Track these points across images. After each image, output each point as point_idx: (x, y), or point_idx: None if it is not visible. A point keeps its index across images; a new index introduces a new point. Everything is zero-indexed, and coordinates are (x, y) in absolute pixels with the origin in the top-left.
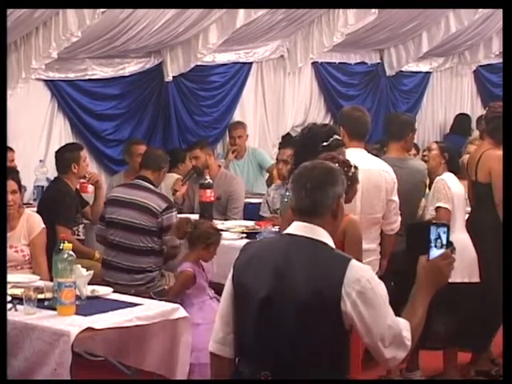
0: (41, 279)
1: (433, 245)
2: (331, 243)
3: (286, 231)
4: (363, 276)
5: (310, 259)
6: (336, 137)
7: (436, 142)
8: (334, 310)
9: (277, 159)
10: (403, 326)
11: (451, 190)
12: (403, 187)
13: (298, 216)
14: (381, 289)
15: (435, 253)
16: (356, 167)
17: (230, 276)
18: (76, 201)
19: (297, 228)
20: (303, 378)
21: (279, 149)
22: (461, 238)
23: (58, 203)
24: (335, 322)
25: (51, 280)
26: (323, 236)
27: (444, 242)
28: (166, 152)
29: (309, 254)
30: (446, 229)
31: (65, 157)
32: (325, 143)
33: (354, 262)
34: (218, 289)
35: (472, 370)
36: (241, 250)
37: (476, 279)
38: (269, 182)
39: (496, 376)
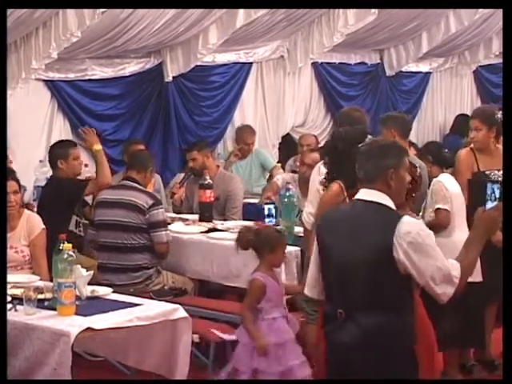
0: (41, 279)
1: (488, 198)
2: (390, 204)
3: (355, 197)
4: (413, 229)
5: (368, 217)
6: (370, 137)
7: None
8: (389, 258)
9: (302, 163)
10: (453, 266)
11: (449, 190)
12: None
13: (360, 183)
14: (430, 239)
15: (490, 205)
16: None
17: (315, 237)
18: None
19: (361, 193)
20: (372, 315)
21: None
22: (462, 237)
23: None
24: (391, 268)
25: (51, 280)
26: (381, 198)
27: (497, 195)
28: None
29: (368, 212)
30: (498, 185)
31: (54, 153)
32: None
33: (406, 217)
34: (218, 289)
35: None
36: (321, 217)
37: (479, 279)
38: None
39: (498, 367)
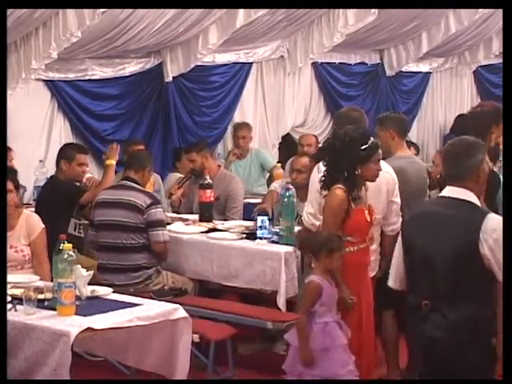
0: (41, 279)
1: None
2: (475, 201)
3: (440, 194)
4: (499, 226)
5: (456, 213)
6: (373, 139)
7: (440, 153)
8: (474, 252)
9: (292, 169)
10: None
11: None
12: (414, 185)
13: (447, 181)
14: None
15: None
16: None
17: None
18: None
19: (446, 191)
20: (457, 307)
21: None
22: None
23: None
24: (476, 262)
25: (53, 280)
26: (468, 196)
27: None
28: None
29: (455, 209)
30: None
31: (61, 152)
32: (364, 146)
33: (492, 214)
34: (218, 289)
35: None
36: (408, 209)
37: None
38: (269, 183)
39: None
